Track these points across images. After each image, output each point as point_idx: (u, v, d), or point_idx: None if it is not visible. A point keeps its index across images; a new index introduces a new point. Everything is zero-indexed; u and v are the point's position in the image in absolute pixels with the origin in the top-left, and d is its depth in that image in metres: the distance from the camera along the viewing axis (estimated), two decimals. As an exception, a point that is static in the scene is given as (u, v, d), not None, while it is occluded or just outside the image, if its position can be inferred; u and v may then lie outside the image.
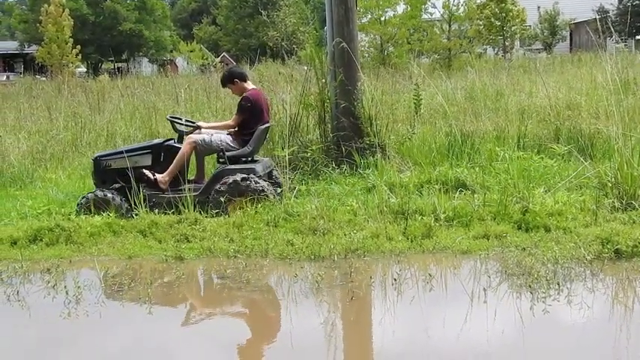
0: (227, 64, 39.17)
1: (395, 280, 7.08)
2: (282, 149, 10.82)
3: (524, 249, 7.66)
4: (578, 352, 5.65)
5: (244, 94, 10.04)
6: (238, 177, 9.46)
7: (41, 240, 8.76)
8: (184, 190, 9.60)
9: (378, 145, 11.12)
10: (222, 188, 9.44)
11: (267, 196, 9.40)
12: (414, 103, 12.19)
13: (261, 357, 5.84)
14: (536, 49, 51.26)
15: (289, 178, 10.37)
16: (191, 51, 54.86)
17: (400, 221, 8.59)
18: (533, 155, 10.96)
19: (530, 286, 6.68)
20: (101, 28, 67.89)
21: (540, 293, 6.54)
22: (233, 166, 9.68)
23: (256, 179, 9.52)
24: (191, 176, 10.30)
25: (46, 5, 50.47)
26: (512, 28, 39.36)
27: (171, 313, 6.99)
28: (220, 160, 9.87)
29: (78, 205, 9.77)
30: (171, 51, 70.84)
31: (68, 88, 22.87)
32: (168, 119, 10.48)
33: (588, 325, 6.10)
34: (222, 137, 9.95)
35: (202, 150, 10.00)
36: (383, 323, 6.30)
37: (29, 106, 19.76)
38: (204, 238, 8.54)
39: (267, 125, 10.23)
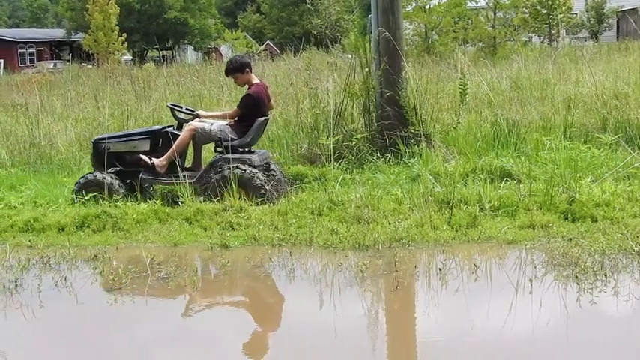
0: (271, 52, 39.24)
1: (440, 269, 7.07)
2: (327, 138, 10.83)
3: (571, 239, 7.60)
4: (624, 344, 5.59)
5: (249, 92, 10.03)
6: (235, 166, 9.52)
7: (88, 226, 8.88)
8: (181, 177, 9.76)
9: (423, 134, 11.07)
10: (217, 177, 9.50)
11: (261, 187, 9.42)
12: (460, 92, 12.11)
13: (305, 345, 5.86)
14: (583, 38, 50.70)
15: (333, 166, 10.40)
16: (235, 39, 55.02)
17: (445, 211, 8.56)
18: (579, 145, 10.86)
19: (576, 277, 6.64)
20: (147, 16, 68.23)
21: (587, 284, 6.49)
22: (229, 156, 9.72)
23: (251, 169, 9.55)
24: (188, 164, 10.44)
25: (92, -7, 50.90)
26: (559, 16, 38.87)
27: (217, 301, 7.05)
28: (218, 149, 9.94)
29: (76, 185, 9.98)
30: (216, 39, 71.08)
31: (114, 76, 23.05)
32: (168, 106, 10.55)
33: (635, 317, 6.05)
34: (222, 127, 9.99)
35: (201, 138, 10.06)
36: (427, 313, 6.30)
37: (76, 93, 19.95)
38: (249, 226, 8.58)
39: (265, 118, 10.25)
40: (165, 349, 5.85)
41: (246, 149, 9.97)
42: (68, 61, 52.11)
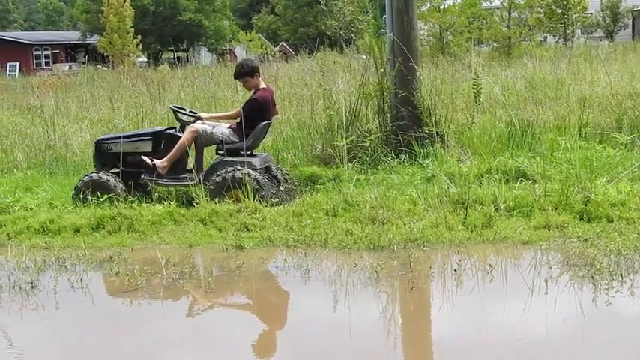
0: (285, 54, 39.26)
1: (455, 270, 7.06)
2: (342, 139, 10.83)
3: (586, 240, 7.58)
4: (641, 345, 5.58)
5: (255, 96, 10.05)
6: (234, 169, 9.54)
7: (104, 228, 8.91)
8: (182, 179, 9.86)
9: (438, 135, 11.06)
10: (218, 179, 9.51)
11: (261, 189, 9.43)
12: (474, 92, 12.08)
13: (320, 345, 5.86)
14: (598, 37, 50.51)
15: (348, 167, 10.40)
16: (250, 40, 55.13)
17: (460, 211, 8.54)
18: (595, 145, 10.82)
19: (592, 278, 6.62)
20: (161, 18, 68.40)
21: (603, 285, 6.47)
22: (231, 159, 9.76)
23: (251, 172, 9.56)
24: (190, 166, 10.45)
25: (107, -4, 51.17)
26: (574, 16, 38.75)
27: (231, 302, 7.06)
28: (219, 152, 9.97)
29: (77, 186, 10.01)
30: (230, 40, 71.20)
31: (129, 77, 23.09)
32: (171, 108, 10.59)
33: (652, 318, 6.02)
34: (224, 130, 10.02)
35: (203, 140, 10.07)
36: (442, 314, 6.29)
37: (91, 95, 20.00)
38: (263, 227, 8.60)
39: (268, 122, 10.27)
40: (180, 350, 5.86)
41: (248, 152, 10.01)
42: (83, 63, 52.29)
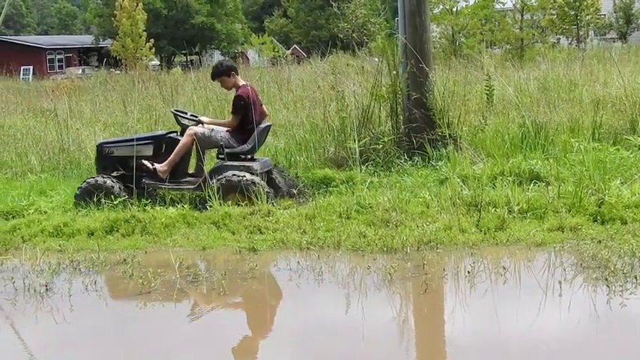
0: (298, 57, 39.30)
1: (468, 272, 7.05)
2: (354, 141, 10.83)
3: (600, 241, 7.56)
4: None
5: (237, 93, 10.06)
6: (233, 173, 9.57)
7: (117, 231, 8.93)
8: (183, 182, 9.95)
9: (450, 137, 11.04)
10: (217, 183, 9.53)
11: (260, 194, 9.43)
12: (486, 94, 12.06)
13: (333, 348, 5.86)
14: (611, 39, 50.32)
15: (361, 169, 10.41)
16: (262, 43, 55.15)
17: (473, 213, 8.53)
18: (608, 146, 10.78)
19: (606, 280, 6.60)
20: (174, 21, 68.54)
21: (617, 287, 6.45)
22: (231, 163, 9.79)
23: (251, 176, 9.57)
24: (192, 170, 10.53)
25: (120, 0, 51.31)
26: (587, 18, 38.64)
27: (245, 304, 7.07)
28: (220, 156, 10.00)
29: (78, 189, 10.10)
30: (243, 44, 71.21)
31: (142, 81, 23.15)
32: (172, 112, 10.62)
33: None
34: (223, 133, 10.05)
35: (203, 144, 10.09)
36: (456, 316, 6.28)
37: (104, 99, 20.07)
38: (276, 229, 8.60)
39: (267, 125, 10.33)
40: (194, 353, 5.87)
41: (248, 156, 10.04)
42: (96, 66, 52.56)
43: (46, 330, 6.50)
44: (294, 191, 10.07)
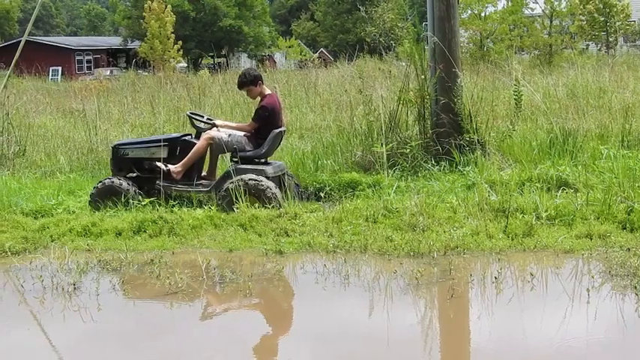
0: (325, 60, 39.34)
1: (495, 278, 7.03)
2: (381, 145, 10.83)
3: (629, 249, 7.50)
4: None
5: (263, 104, 10.10)
6: (247, 177, 9.60)
7: (145, 231, 8.98)
8: (197, 185, 10.01)
9: (478, 142, 11.01)
10: (230, 186, 9.55)
11: (273, 197, 9.48)
12: (515, 99, 12.02)
13: (357, 351, 5.86)
14: (641, 45, 49.96)
15: (388, 174, 10.40)
16: (289, 47, 55.36)
17: (501, 219, 8.50)
18: (638, 154, 10.71)
19: (635, 288, 6.55)
20: (202, 24, 68.76)
21: (645, 295, 6.40)
22: (244, 166, 9.82)
23: (264, 180, 9.61)
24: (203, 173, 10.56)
25: (149, 2, 51.63)
26: (616, 24, 38.43)
27: (271, 306, 7.09)
28: (234, 159, 10.02)
29: (94, 189, 10.19)
30: (270, 47, 71.45)
31: (170, 82, 23.28)
32: (187, 115, 10.66)
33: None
34: (239, 138, 10.08)
35: (218, 148, 10.14)
36: (482, 321, 6.27)
37: (132, 100, 20.17)
38: (303, 232, 8.62)
39: (281, 129, 10.32)
40: (219, 353, 5.89)
41: (262, 160, 10.08)
42: (124, 68, 52.82)
43: (73, 329, 6.55)
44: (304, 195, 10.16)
